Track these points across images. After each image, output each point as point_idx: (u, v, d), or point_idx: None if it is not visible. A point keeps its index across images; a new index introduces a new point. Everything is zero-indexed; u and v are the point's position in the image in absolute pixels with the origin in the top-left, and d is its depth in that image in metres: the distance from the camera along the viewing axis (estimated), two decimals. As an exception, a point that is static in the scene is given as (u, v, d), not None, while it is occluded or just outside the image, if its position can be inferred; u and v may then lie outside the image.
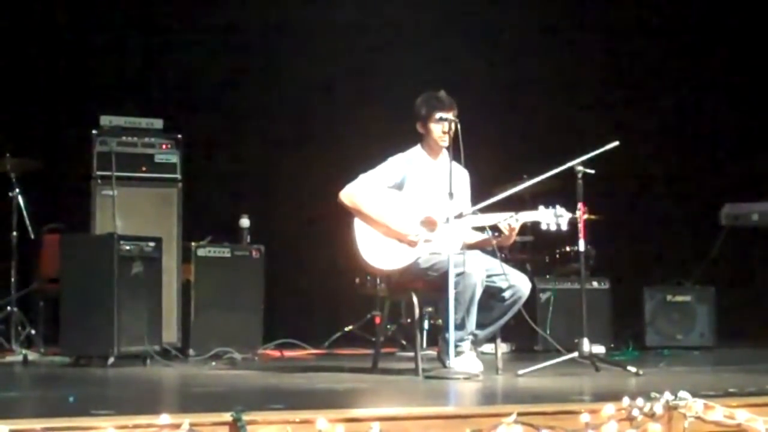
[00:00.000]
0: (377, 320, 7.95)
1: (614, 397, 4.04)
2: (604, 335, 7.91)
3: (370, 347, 7.18)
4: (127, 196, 7.45)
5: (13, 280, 7.41)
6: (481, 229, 5.94)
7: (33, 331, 7.40)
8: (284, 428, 3.64)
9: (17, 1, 8.47)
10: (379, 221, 5.89)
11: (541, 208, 5.90)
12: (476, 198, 6.10)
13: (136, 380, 5.95)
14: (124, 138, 7.60)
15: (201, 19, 8.94)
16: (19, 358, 6.89)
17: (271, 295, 7.83)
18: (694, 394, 4.05)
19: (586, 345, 5.88)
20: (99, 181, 7.47)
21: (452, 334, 5.57)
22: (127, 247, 6.65)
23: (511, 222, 5.82)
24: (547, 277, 8.19)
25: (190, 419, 3.57)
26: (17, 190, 7.46)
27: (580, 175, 5.91)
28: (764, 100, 9.37)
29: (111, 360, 6.45)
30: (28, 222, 7.47)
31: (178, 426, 3.52)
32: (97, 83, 8.62)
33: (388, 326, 7.70)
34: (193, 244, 7.64)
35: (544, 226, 5.90)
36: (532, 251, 8.29)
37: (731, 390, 4.63)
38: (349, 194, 5.95)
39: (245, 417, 3.59)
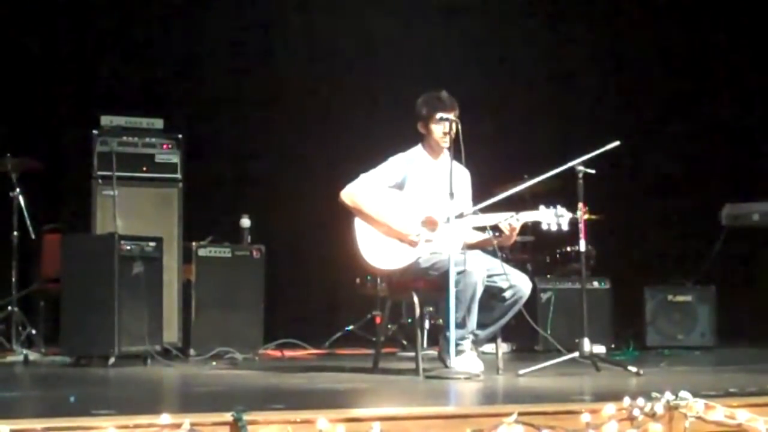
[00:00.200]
0: (378, 320, 7.94)
1: (615, 397, 4.04)
2: (604, 335, 7.91)
3: (371, 347, 7.18)
4: (128, 196, 7.45)
5: (13, 280, 7.40)
6: (482, 228, 5.94)
7: (34, 331, 7.40)
8: (285, 428, 3.64)
9: (18, 1, 8.47)
10: (380, 221, 5.89)
11: (542, 208, 5.90)
12: (477, 198, 6.10)
13: (137, 380, 5.96)
14: (124, 138, 7.60)
15: (201, 19, 8.94)
16: (20, 358, 6.89)
17: (271, 295, 7.83)
18: (695, 394, 4.05)
19: (587, 345, 5.88)
20: (100, 181, 7.47)
21: (453, 334, 5.57)
22: (128, 247, 6.65)
23: (511, 222, 5.82)
24: (548, 277, 8.19)
25: (190, 419, 3.56)
26: (18, 190, 7.46)
27: (580, 175, 5.90)
28: (765, 100, 9.37)
29: (112, 360, 6.45)
30: (28, 222, 7.46)
31: (178, 426, 3.52)
32: (97, 83, 8.62)
33: (389, 326, 7.70)
34: (193, 244, 7.64)
35: (544, 226, 5.90)
36: (533, 251, 8.30)
37: (732, 390, 4.63)
38: (350, 194, 5.95)
39: (246, 417, 3.59)
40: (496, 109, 8.94)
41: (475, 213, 5.91)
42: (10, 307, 7.34)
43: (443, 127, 5.93)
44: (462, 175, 6.01)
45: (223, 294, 7.62)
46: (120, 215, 7.16)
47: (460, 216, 5.84)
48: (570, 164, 5.91)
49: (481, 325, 5.79)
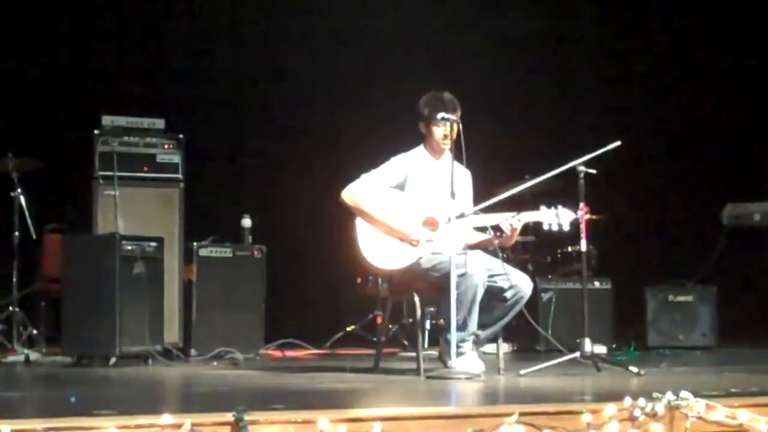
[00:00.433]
0: (379, 320, 7.93)
1: (616, 397, 4.03)
2: (605, 335, 7.91)
3: (372, 347, 7.17)
4: (129, 196, 7.44)
5: (14, 280, 7.42)
6: (483, 229, 5.93)
7: (35, 331, 7.40)
8: (286, 428, 3.64)
9: (19, 1, 8.47)
10: (381, 221, 5.89)
11: (543, 208, 5.89)
12: (478, 198, 6.10)
13: (138, 380, 5.96)
14: (125, 138, 7.60)
15: (202, 19, 8.94)
16: (21, 358, 6.88)
17: (272, 295, 7.83)
18: (696, 394, 4.05)
19: (588, 345, 5.88)
20: (101, 181, 7.46)
21: (454, 335, 5.57)
22: (129, 247, 6.65)
23: (512, 222, 5.82)
24: (549, 277, 8.18)
25: (191, 419, 3.56)
26: (19, 190, 7.46)
27: (581, 175, 5.90)
28: (765, 100, 9.37)
29: (113, 360, 6.45)
30: (29, 222, 7.47)
31: (179, 426, 3.52)
32: (98, 83, 8.62)
33: (390, 326, 7.70)
34: (194, 244, 7.63)
35: (545, 227, 5.90)
36: (534, 251, 8.30)
37: (733, 390, 4.63)
38: (351, 193, 5.94)
39: (247, 417, 3.59)
40: (497, 110, 8.94)
41: (476, 213, 5.90)
42: (11, 307, 7.35)
43: (444, 128, 5.92)
44: (463, 176, 6.00)
45: (224, 294, 7.62)
46: (121, 215, 7.16)
47: (461, 216, 5.84)
48: (571, 164, 5.91)
49: (482, 326, 5.79)
